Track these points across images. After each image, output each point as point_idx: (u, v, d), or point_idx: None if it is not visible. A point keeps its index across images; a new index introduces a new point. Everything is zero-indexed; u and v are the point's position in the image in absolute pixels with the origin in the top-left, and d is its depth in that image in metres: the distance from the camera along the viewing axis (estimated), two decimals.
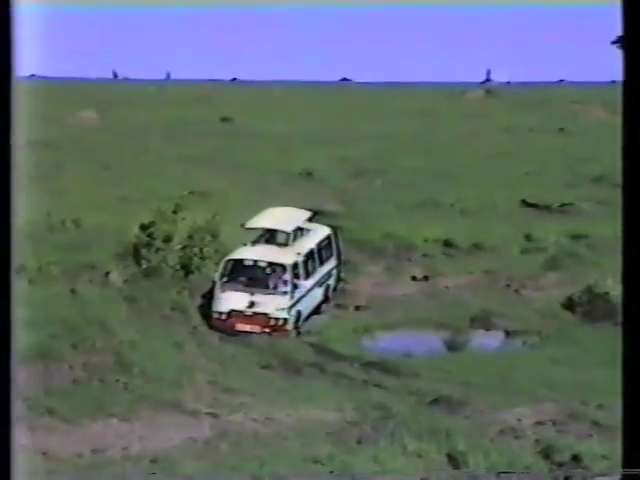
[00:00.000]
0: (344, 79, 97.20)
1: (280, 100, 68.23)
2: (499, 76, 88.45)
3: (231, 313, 21.52)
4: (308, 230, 24.07)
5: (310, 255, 23.03)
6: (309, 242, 23.47)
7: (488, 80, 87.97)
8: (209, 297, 22.17)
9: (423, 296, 24.67)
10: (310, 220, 24.68)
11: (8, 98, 5.50)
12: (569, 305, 23.14)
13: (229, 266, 22.01)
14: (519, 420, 15.74)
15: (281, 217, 23.91)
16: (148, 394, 17.17)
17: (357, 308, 23.87)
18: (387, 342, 21.66)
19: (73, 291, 21.87)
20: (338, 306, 23.98)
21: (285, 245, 22.81)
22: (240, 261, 22.15)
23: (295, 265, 22.02)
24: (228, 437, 15.13)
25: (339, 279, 24.93)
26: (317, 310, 23.28)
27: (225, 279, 21.84)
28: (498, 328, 22.54)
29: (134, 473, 13.67)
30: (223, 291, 21.69)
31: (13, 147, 5.53)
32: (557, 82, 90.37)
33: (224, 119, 56.21)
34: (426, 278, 25.84)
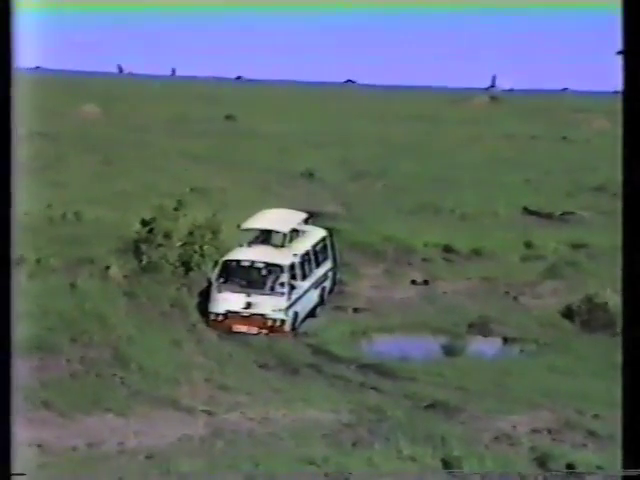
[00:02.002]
0: (349, 81, 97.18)
1: (284, 100, 68.23)
2: (503, 83, 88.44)
3: (228, 314, 21.47)
4: (304, 232, 24.00)
5: (306, 256, 22.96)
6: (305, 244, 23.41)
7: (492, 86, 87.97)
8: (206, 296, 22.14)
9: (422, 300, 24.64)
10: (306, 222, 24.62)
11: (8, 91, 5.48)
12: (568, 314, 23.10)
13: (226, 267, 21.94)
14: (514, 427, 15.73)
15: (277, 218, 23.85)
16: (145, 390, 17.17)
17: (356, 310, 23.83)
18: (385, 345, 21.63)
19: (72, 285, 21.85)
20: (337, 308, 23.94)
21: (281, 246, 22.73)
22: (237, 262, 22.07)
23: (292, 266, 21.96)
24: (223, 435, 15.12)
25: (335, 282, 24.89)
26: (312, 313, 23.21)
27: (222, 280, 21.77)
28: (496, 335, 22.50)
29: (129, 468, 13.65)
30: (220, 292, 21.61)
31: (14, 140, 5.52)
32: (560, 90, 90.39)
33: (228, 117, 56.25)
34: (425, 282, 25.83)
